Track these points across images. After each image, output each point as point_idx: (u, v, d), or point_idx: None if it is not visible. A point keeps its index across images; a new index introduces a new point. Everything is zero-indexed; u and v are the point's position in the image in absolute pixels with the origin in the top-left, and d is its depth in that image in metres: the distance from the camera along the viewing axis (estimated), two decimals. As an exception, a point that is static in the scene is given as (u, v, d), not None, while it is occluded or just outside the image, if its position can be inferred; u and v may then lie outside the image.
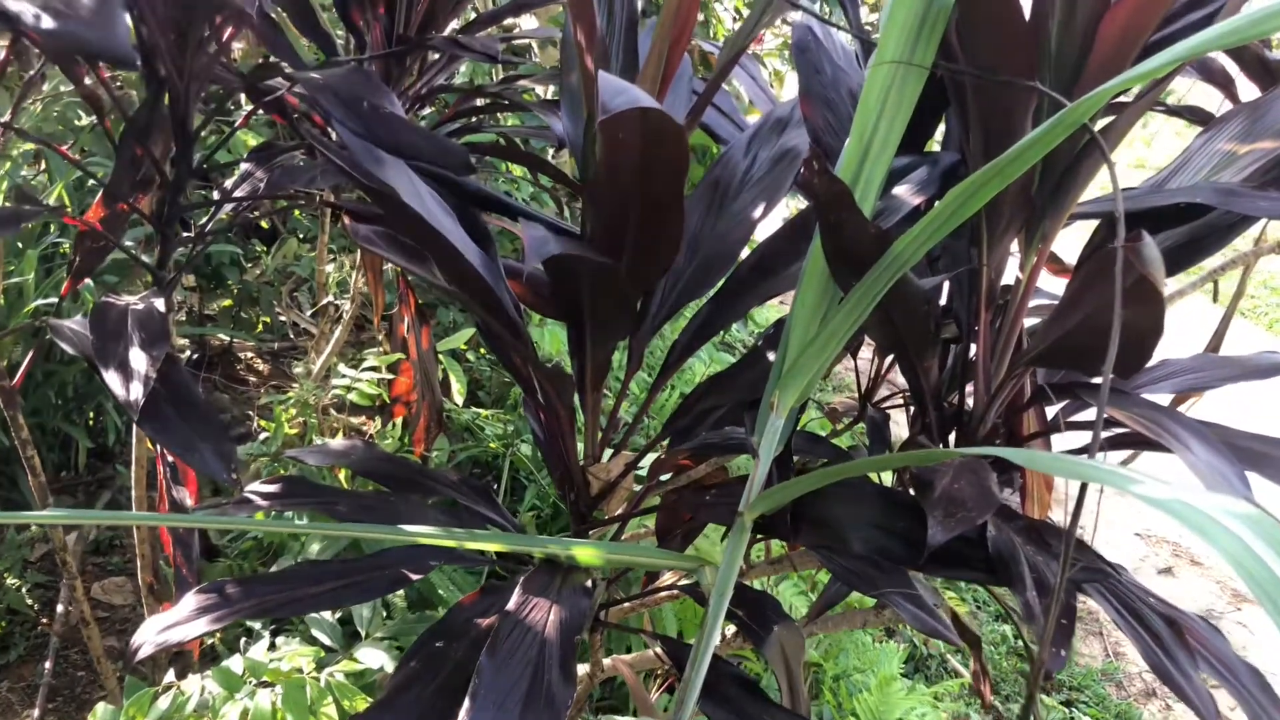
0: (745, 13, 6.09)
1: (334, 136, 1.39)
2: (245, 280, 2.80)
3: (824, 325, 0.97)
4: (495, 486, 2.43)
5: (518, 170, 2.72)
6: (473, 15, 1.79)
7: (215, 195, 1.51)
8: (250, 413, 2.76)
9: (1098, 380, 1.03)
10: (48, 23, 0.84)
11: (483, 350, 2.92)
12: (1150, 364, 1.24)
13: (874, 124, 0.93)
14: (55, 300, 2.19)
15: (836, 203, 0.88)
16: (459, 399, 2.56)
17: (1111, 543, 4.39)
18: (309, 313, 2.54)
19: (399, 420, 1.82)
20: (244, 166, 1.56)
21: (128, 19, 0.89)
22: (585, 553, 1.07)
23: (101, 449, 2.41)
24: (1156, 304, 0.71)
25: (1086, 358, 0.90)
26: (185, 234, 1.43)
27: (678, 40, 1.04)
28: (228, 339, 2.92)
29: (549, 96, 2.05)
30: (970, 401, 1.17)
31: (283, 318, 3.16)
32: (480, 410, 2.51)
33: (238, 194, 1.49)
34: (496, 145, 1.75)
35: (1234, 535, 0.55)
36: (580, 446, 1.26)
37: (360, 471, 1.42)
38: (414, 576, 1.11)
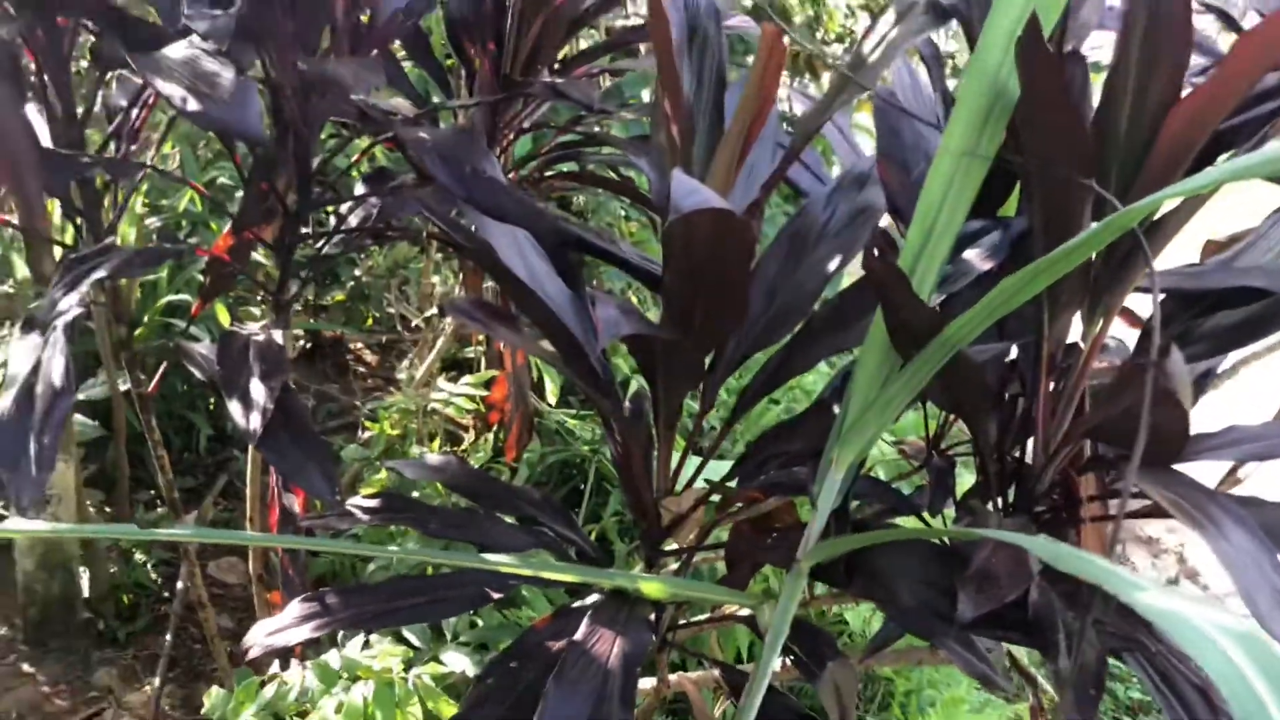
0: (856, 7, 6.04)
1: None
2: (358, 276, 2.97)
3: (884, 390, 1.03)
4: (582, 487, 2.54)
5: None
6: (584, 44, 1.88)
7: (333, 219, 1.63)
8: (357, 402, 2.92)
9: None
10: (193, 105, 0.95)
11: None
12: (1216, 429, 1.26)
13: (936, 211, 0.98)
14: (185, 297, 2.37)
15: (895, 286, 0.94)
16: (552, 399, 2.67)
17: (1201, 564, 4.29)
18: (414, 323, 2.68)
19: (493, 430, 1.94)
20: (359, 190, 1.68)
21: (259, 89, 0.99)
22: (651, 586, 1.15)
23: (221, 433, 2.59)
24: (1181, 414, 0.76)
25: (1129, 441, 0.94)
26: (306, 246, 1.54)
27: (760, 112, 1.10)
28: (340, 332, 3.09)
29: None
30: (1030, 458, 1.21)
31: (391, 309, 3.32)
32: (570, 414, 2.62)
33: (352, 220, 1.60)
34: (594, 174, 1.83)
35: (1227, 657, 0.60)
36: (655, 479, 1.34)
37: (452, 487, 1.53)
38: (495, 595, 1.21)
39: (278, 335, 1.25)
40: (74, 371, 1.12)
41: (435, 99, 2.01)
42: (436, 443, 1.99)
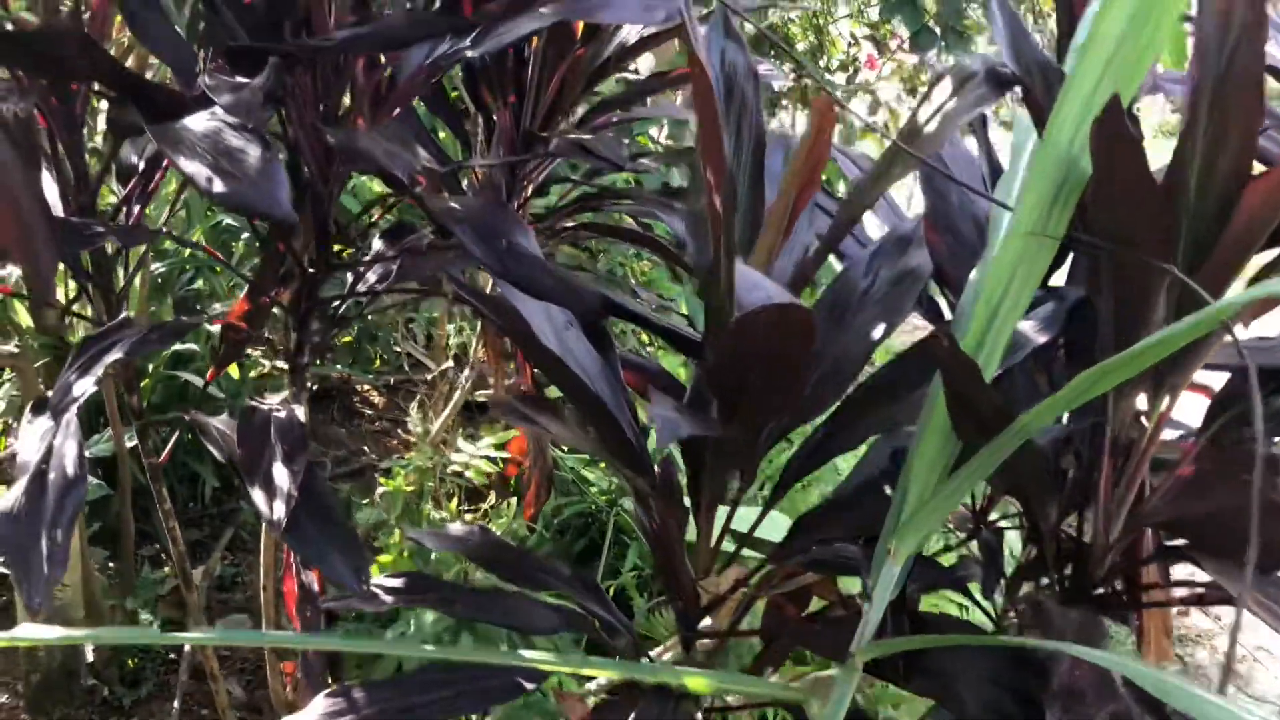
0: (859, 37, 6.01)
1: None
2: (365, 316, 2.91)
3: (947, 482, 0.98)
4: (596, 536, 2.48)
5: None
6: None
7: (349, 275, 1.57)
8: (365, 447, 2.87)
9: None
10: (219, 186, 0.90)
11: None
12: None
13: (1003, 292, 0.93)
14: (192, 346, 2.31)
15: (964, 375, 0.89)
16: (564, 445, 2.61)
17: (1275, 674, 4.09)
18: (430, 375, 2.62)
19: (512, 491, 1.87)
20: (376, 245, 1.62)
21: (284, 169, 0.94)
22: (696, 682, 1.09)
23: (227, 483, 2.53)
24: (1291, 531, 0.71)
25: (1210, 544, 0.89)
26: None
27: (808, 184, 1.05)
28: (347, 374, 3.03)
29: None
30: (1088, 537, 1.16)
31: (397, 348, 3.26)
32: (583, 460, 2.56)
33: (371, 277, 1.55)
34: (616, 226, 1.78)
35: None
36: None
37: (476, 560, 1.47)
38: (529, 686, 1.15)
39: (299, 411, 1.19)
40: (86, 459, 1.06)
41: (451, 148, 1.97)
42: (455, 502, 1.93)
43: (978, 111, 0.98)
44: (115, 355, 1.05)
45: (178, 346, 2.31)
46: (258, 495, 1.07)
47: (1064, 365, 1.18)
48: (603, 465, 2.38)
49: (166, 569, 2.25)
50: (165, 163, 1.32)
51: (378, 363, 3.12)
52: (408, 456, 1.94)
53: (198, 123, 0.98)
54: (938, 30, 3.70)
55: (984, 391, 0.89)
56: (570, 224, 1.84)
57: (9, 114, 0.91)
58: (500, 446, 1.86)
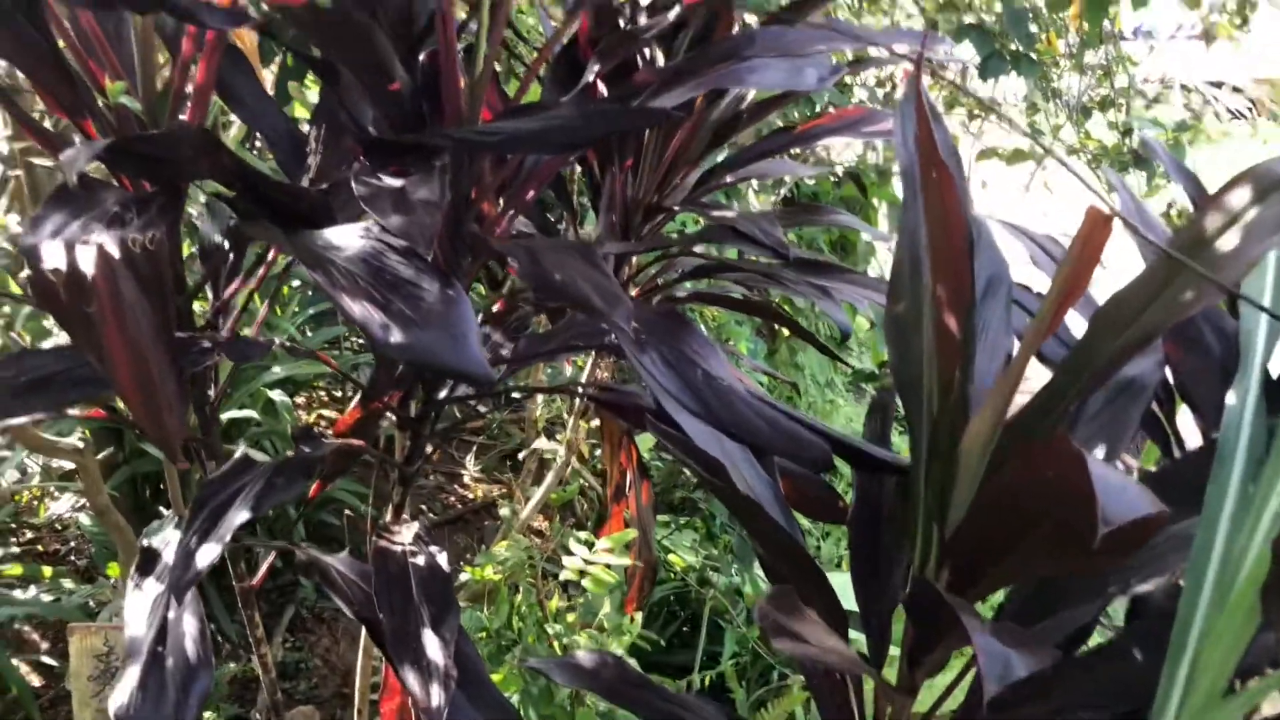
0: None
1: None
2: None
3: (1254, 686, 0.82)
4: (681, 612, 2.32)
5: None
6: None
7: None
8: (422, 506, 2.70)
9: None
10: (397, 336, 0.73)
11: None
12: None
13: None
14: (250, 413, 2.15)
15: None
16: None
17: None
18: (521, 454, 2.45)
19: (633, 607, 1.70)
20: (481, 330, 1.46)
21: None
22: None
23: (286, 556, 2.35)
24: None
25: None
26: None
27: (1063, 308, 0.88)
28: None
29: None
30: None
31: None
32: (662, 522, 2.39)
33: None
34: (769, 308, 1.62)
35: None
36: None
37: (610, 698, 1.30)
38: None
39: (440, 556, 1.03)
40: (210, 636, 0.90)
41: (552, 213, 1.80)
42: (555, 601, 1.76)
43: (1289, 229, 0.81)
44: (243, 516, 0.88)
45: (234, 414, 2.14)
46: (409, 676, 0.90)
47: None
48: (689, 543, 2.20)
49: (233, 665, 2.08)
50: (272, 256, 1.16)
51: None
52: (497, 544, 1.77)
53: (348, 239, 0.82)
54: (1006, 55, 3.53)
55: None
56: (682, 293, 1.68)
57: (134, 243, 0.74)
58: (621, 548, 1.68)
